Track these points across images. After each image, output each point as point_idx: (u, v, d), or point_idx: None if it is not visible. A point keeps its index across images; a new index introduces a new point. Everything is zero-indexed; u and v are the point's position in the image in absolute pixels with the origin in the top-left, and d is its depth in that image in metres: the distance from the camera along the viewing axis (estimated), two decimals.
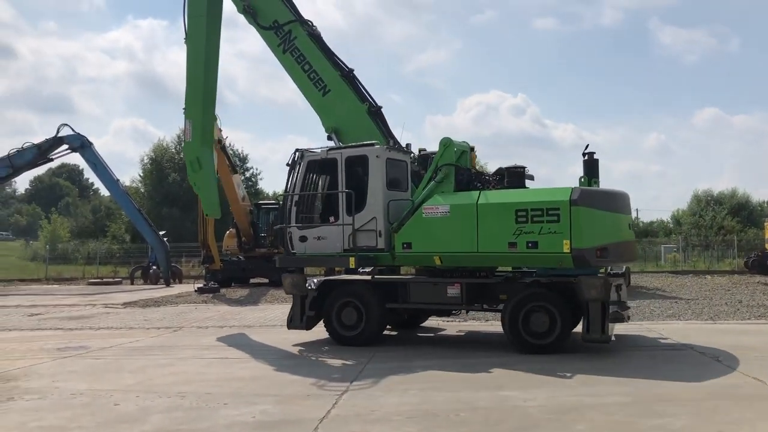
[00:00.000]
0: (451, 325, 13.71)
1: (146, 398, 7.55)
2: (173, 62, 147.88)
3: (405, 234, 10.71)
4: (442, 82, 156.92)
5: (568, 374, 8.54)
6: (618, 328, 12.58)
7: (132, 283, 31.10)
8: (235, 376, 8.91)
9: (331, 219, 11.24)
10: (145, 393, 7.81)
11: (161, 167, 53.80)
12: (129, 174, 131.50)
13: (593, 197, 10.01)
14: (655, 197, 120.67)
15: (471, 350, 10.66)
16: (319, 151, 11.60)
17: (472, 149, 21.28)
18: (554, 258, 9.83)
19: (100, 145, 26.04)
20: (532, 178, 12.03)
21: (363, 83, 12.97)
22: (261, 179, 63.74)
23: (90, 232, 57.12)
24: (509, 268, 11.33)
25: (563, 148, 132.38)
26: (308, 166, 11.49)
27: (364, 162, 11.08)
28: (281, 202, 12.15)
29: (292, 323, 11.86)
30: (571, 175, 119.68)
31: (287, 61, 13.22)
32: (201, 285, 23.37)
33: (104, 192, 59.20)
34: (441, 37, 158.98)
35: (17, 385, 8.39)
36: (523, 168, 11.32)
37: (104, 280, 32.33)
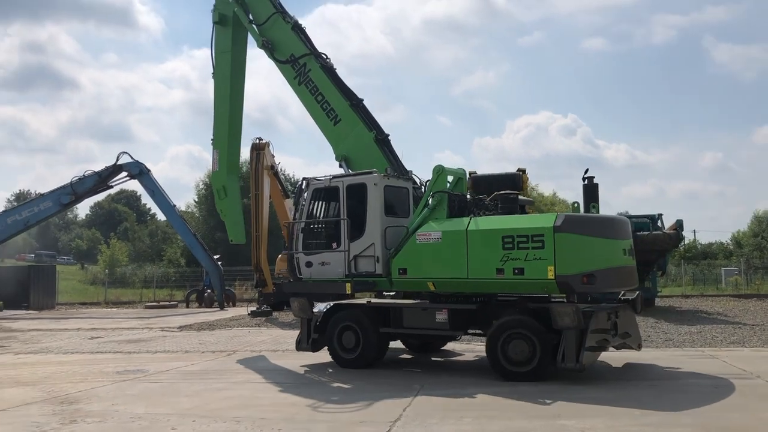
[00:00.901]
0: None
1: (202, 423, 7.64)
2: None
3: (400, 260, 10.88)
4: (490, 104, 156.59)
5: (627, 403, 8.29)
6: (677, 355, 12.22)
7: (187, 306, 31.74)
8: (289, 401, 8.95)
9: (334, 245, 11.53)
10: (201, 417, 7.91)
11: None
12: (184, 199, 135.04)
13: (579, 223, 9.89)
14: (714, 218, 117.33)
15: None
16: (323, 179, 11.94)
17: (524, 171, 21.19)
18: (540, 284, 9.75)
19: (156, 172, 26.92)
20: (531, 203, 12.22)
21: (374, 112, 13.53)
22: None
23: (147, 256, 58.69)
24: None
25: (616, 168, 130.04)
26: (314, 194, 11.88)
27: (363, 189, 11.36)
28: (289, 228, 12.51)
29: (300, 345, 12.32)
30: (625, 196, 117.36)
31: (302, 93, 13.78)
32: (254, 308, 23.66)
33: (161, 217, 60.82)
34: (489, 60, 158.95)
35: (79, 408, 8.60)
36: (517, 194, 11.39)
37: (161, 303, 33.07)
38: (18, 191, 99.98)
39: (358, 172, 12.10)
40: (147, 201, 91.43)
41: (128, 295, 39.74)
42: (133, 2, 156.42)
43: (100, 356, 13.98)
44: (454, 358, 12.78)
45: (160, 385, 10.30)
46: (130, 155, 29.14)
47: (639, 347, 11.20)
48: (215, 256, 30.10)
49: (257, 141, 23.34)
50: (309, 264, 11.79)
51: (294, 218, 12.22)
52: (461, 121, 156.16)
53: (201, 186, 57.43)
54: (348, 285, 11.17)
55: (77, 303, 36.95)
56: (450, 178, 11.26)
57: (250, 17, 14.50)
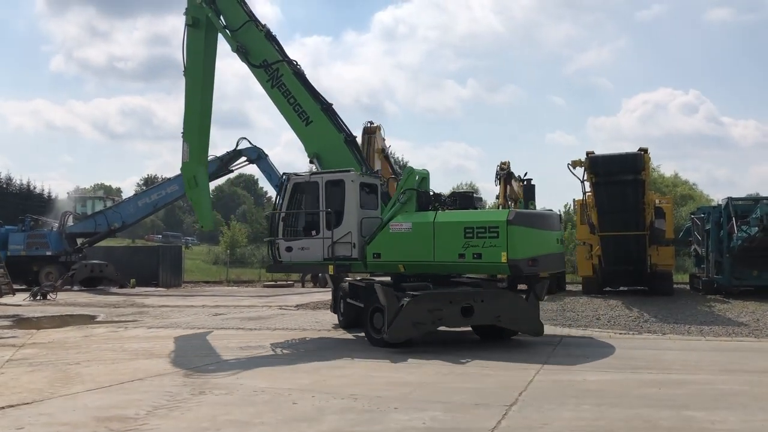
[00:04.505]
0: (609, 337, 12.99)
1: (321, 398, 7.87)
2: (337, 76, 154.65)
3: (375, 246, 12.59)
4: (605, 82, 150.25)
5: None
6: None
7: (303, 286, 32.82)
8: (403, 380, 9.05)
9: (313, 233, 13.10)
10: (319, 393, 8.15)
11: None
12: None
13: (526, 218, 12.06)
14: None
15: (650, 366, 10.05)
16: (303, 175, 13.64)
17: (645, 151, 20.40)
18: (494, 267, 11.64)
19: (272, 156, 27.80)
20: (480, 200, 15.08)
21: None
22: None
23: (264, 237, 60.94)
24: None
25: (744, 147, 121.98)
26: (294, 188, 13.37)
27: (341, 185, 12.93)
28: (270, 218, 14.18)
29: (330, 308, 16.19)
30: (753, 175, 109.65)
31: (275, 95, 14.68)
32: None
33: None
34: (604, 36, 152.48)
35: (207, 380, 9.11)
36: (472, 193, 14.26)
37: (278, 282, 34.34)
38: (146, 176, 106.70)
39: (336, 170, 13.46)
40: (264, 185, 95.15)
41: (248, 274, 41.57)
42: None
43: (224, 332, 14.70)
44: (609, 343, 12.45)
45: (280, 361, 10.72)
46: (248, 141, 30.05)
47: (536, 333, 12.12)
48: None
49: (368, 125, 23.48)
50: (289, 249, 13.36)
51: (274, 209, 13.69)
52: (574, 100, 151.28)
53: (314, 170, 58.99)
54: (331, 267, 12.94)
55: (201, 281, 39.09)
56: (417, 178, 12.89)
57: (224, 22, 15.02)
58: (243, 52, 14.85)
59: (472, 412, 7.26)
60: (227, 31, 15.04)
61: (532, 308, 12.18)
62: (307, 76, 14.68)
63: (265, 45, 14.81)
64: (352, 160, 14.09)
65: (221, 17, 15.15)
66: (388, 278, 13.35)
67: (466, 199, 13.34)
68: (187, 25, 15.23)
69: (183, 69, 15.37)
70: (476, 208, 13.74)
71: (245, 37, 14.91)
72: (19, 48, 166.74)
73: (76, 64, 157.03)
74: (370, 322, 12.23)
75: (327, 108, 14.54)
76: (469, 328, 12.94)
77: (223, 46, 15.41)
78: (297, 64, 14.83)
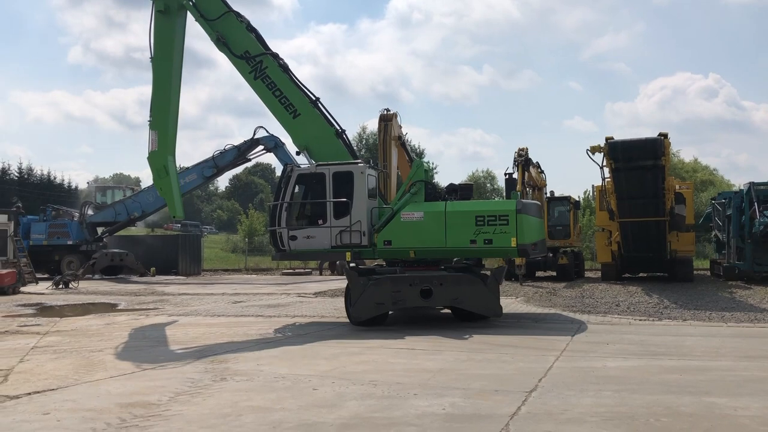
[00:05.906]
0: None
1: (341, 384, 7.91)
2: (351, 64, 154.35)
3: (386, 234, 13.30)
4: (622, 67, 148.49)
5: None
6: None
7: (321, 274, 32.98)
8: (422, 367, 9.07)
9: (320, 222, 13.51)
10: (339, 379, 8.20)
11: None
12: None
13: (528, 207, 13.26)
14: None
15: (670, 352, 9.98)
16: (307, 166, 14.00)
17: (665, 136, 20.29)
18: (504, 251, 13.02)
19: (289, 145, 27.77)
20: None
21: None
22: (437, 173, 64.48)
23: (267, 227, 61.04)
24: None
25: (766, 131, 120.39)
26: (297, 179, 13.74)
27: (350, 176, 13.35)
28: (272, 208, 14.31)
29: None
30: None
31: (259, 87, 14.68)
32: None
33: None
34: (621, 21, 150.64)
35: (228, 366, 9.19)
36: (472, 185, 15.22)
37: (296, 270, 34.50)
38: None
39: (342, 162, 13.84)
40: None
41: (266, 262, 41.78)
42: None
43: (244, 319, 14.83)
44: (631, 326, 12.41)
45: (300, 348, 10.79)
46: (266, 129, 30.18)
47: (494, 315, 12.85)
48: None
49: (385, 112, 23.35)
50: (294, 237, 13.62)
51: (279, 199, 13.70)
52: (592, 85, 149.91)
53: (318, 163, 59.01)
54: (348, 254, 13.60)
55: (220, 270, 39.40)
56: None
57: (199, 11, 14.84)
58: (223, 42, 14.78)
59: (491, 398, 7.25)
60: (204, 20, 14.89)
61: (491, 291, 12.86)
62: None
63: (247, 36, 14.77)
64: (345, 152, 14.45)
65: (195, 6, 14.95)
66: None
67: (466, 189, 14.35)
68: (157, 11, 14.91)
69: (150, 56, 15.10)
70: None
71: (224, 27, 14.81)
72: (38, 40, 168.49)
73: (94, 55, 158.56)
74: (348, 302, 13.31)
75: (314, 102, 14.66)
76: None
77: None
78: (280, 57, 14.81)
